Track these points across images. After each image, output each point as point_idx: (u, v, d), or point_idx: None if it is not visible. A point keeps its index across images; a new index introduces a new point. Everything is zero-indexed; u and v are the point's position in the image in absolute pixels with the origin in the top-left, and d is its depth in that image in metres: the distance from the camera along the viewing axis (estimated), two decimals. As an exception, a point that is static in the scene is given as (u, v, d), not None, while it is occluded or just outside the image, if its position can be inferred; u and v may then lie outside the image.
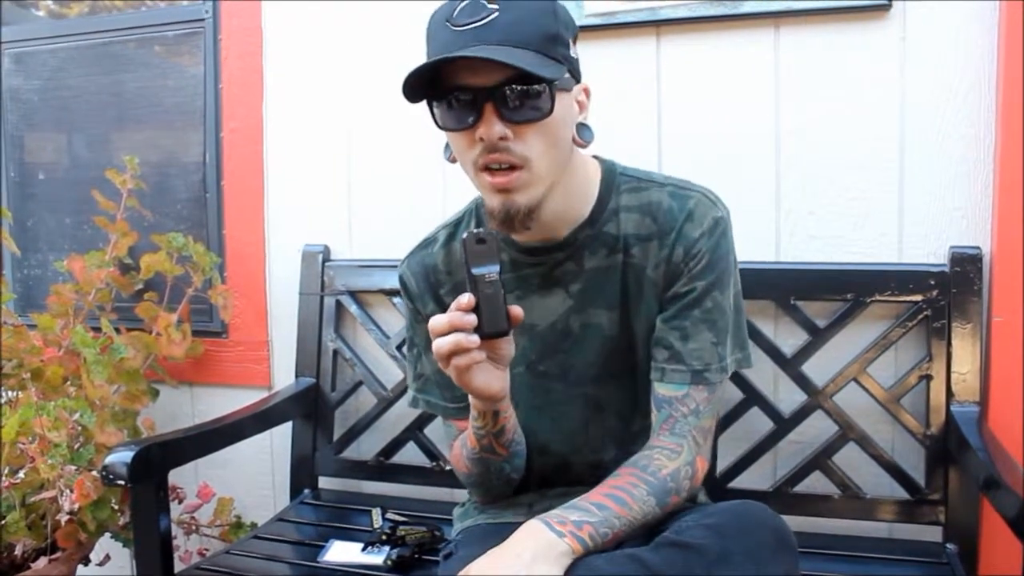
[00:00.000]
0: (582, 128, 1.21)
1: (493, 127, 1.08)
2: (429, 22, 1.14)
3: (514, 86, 1.07)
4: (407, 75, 1.08)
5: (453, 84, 1.09)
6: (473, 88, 1.08)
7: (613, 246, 1.25)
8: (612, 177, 1.28)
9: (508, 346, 1.12)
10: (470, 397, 1.18)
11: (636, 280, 1.25)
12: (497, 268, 1.05)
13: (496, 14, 1.06)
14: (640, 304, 1.25)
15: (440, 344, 1.05)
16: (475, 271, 1.04)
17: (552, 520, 1.05)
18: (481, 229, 1.08)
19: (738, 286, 1.27)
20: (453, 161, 1.22)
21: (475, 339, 1.04)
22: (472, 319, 1.04)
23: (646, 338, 1.26)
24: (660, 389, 1.23)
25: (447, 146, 1.22)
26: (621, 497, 1.11)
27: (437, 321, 1.06)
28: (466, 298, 1.04)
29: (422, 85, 1.10)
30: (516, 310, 1.08)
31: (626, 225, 1.25)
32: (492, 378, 1.12)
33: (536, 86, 1.08)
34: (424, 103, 1.14)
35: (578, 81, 1.19)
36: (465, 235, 1.06)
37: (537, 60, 1.07)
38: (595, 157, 1.31)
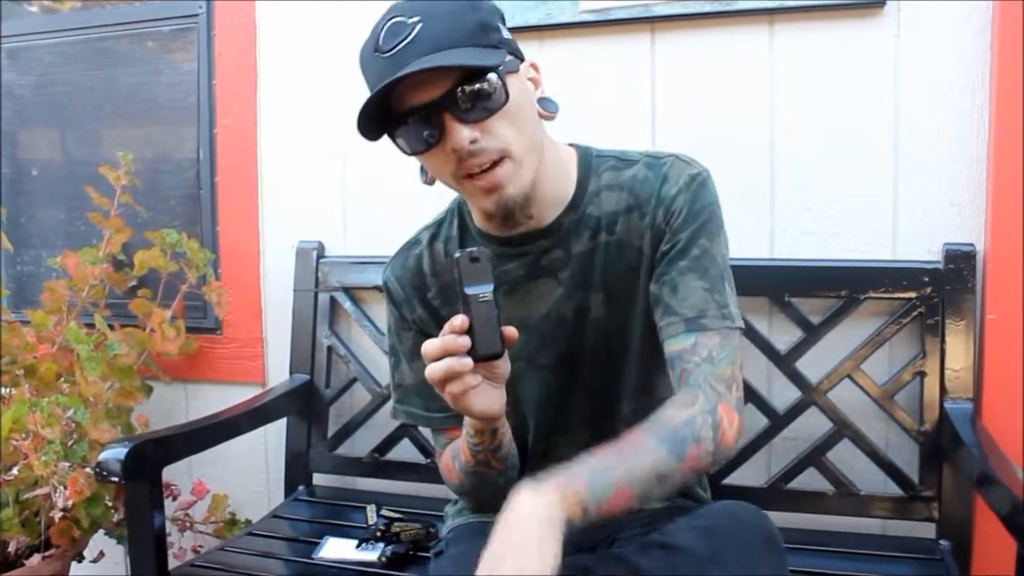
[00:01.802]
0: (544, 102, 1.19)
1: (460, 135, 1.06)
2: (360, 60, 1.12)
3: (464, 87, 1.05)
4: (357, 117, 1.06)
5: (404, 108, 1.07)
6: (425, 105, 1.06)
7: (596, 227, 1.23)
8: (589, 160, 1.27)
9: (504, 364, 1.09)
10: (466, 417, 1.16)
11: (622, 257, 1.23)
12: (491, 287, 1.02)
13: (420, 26, 1.04)
14: (630, 281, 1.23)
15: (434, 369, 1.02)
16: (468, 291, 1.01)
17: (540, 483, 0.94)
18: (474, 248, 1.04)
19: (727, 248, 1.22)
20: (431, 183, 1.20)
21: (468, 362, 1.01)
22: (465, 341, 1.01)
23: (640, 315, 1.24)
24: (668, 346, 1.17)
25: (422, 170, 1.20)
26: (621, 448, 1.01)
27: (429, 346, 1.03)
28: (459, 320, 1.01)
29: (376, 121, 1.09)
30: (510, 331, 1.05)
31: (607, 204, 1.23)
32: (490, 399, 1.09)
33: (486, 79, 1.06)
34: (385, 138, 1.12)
35: (522, 60, 1.16)
36: (458, 254, 1.03)
37: (476, 53, 1.06)
38: (570, 144, 1.30)
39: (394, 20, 1.06)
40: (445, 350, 1.01)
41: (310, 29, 2.11)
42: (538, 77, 1.20)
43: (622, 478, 0.97)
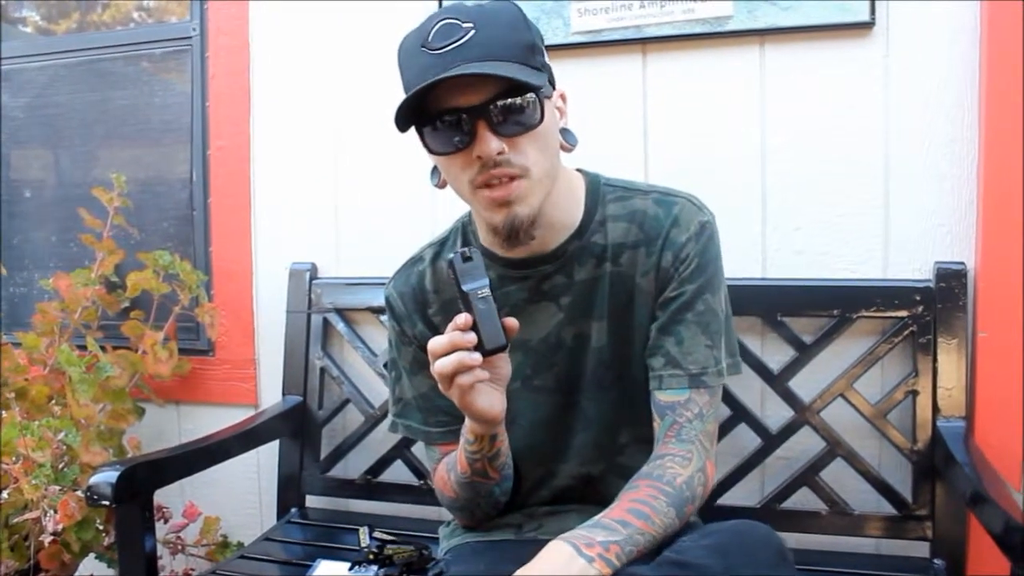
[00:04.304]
0: (565, 133, 1.22)
1: (490, 144, 1.08)
2: (400, 51, 1.13)
3: (503, 100, 1.07)
4: (399, 105, 1.07)
5: (440, 108, 1.09)
6: (462, 108, 1.08)
7: (600, 256, 1.25)
8: (597, 188, 1.28)
9: (506, 365, 1.12)
10: (467, 421, 1.17)
11: (624, 289, 1.25)
12: (487, 283, 1.05)
13: (473, 32, 1.06)
14: (631, 313, 1.25)
15: (443, 364, 1.04)
16: (467, 288, 1.05)
17: (580, 543, 1.00)
18: (466, 248, 1.08)
19: (726, 292, 1.27)
20: (442, 187, 1.21)
21: (477, 357, 1.04)
22: (472, 337, 1.04)
23: (640, 348, 1.25)
24: (661, 396, 1.21)
25: (434, 172, 1.22)
26: (643, 512, 1.07)
27: (437, 342, 1.05)
28: (463, 317, 1.04)
29: (409, 113, 1.10)
30: (511, 321, 1.08)
31: (613, 234, 1.25)
32: (494, 400, 1.11)
33: (525, 96, 1.09)
34: (412, 131, 1.13)
35: (554, 88, 1.19)
36: (451, 255, 1.06)
37: (523, 70, 1.07)
38: (578, 170, 1.31)
39: (448, 21, 1.08)
40: (453, 345, 1.04)
41: (303, 51, 2.12)
42: (564, 108, 1.22)
43: (642, 543, 1.05)
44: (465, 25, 1.07)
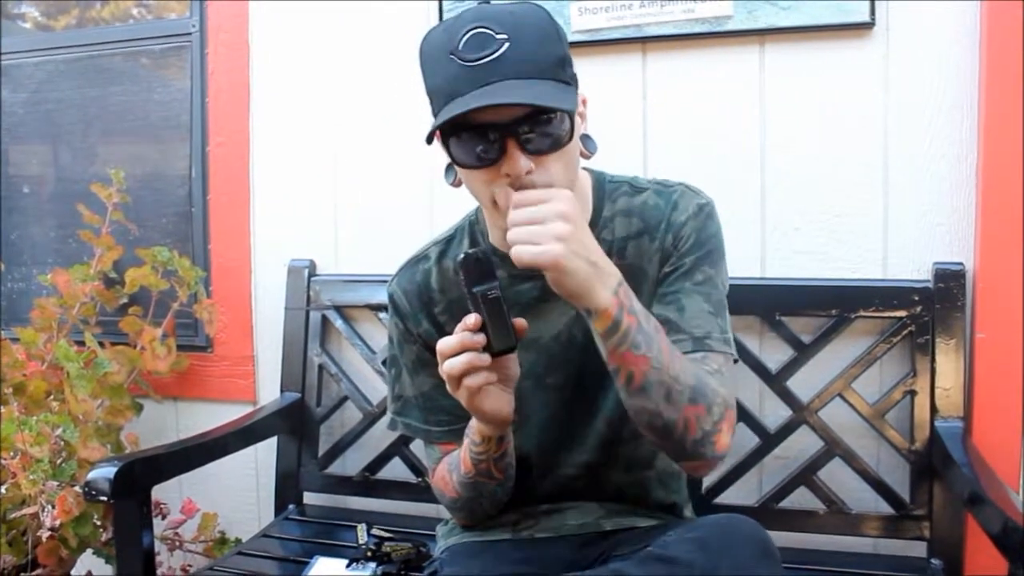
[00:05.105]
0: (586, 140, 1.18)
1: (519, 163, 1.05)
2: (425, 50, 1.10)
3: (535, 119, 1.04)
4: (439, 123, 1.04)
5: (471, 122, 1.05)
6: (493, 125, 1.04)
7: (608, 252, 1.23)
8: (603, 186, 1.28)
9: (514, 366, 1.10)
10: (474, 423, 1.16)
11: (633, 281, 1.21)
12: (496, 284, 1.04)
13: (507, 45, 1.02)
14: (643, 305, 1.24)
15: (452, 365, 1.03)
16: (476, 289, 1.03)
17: (621, 290, 1.04)
18: (475, 249, 1.07)
19: (727, 275, 1.25)
20: (457, 186, 1.19)
21: (486, 358, 1.03)
22: (481, 338, 1.03)
23: None
24: None
25: (448, 170, 1.18)
26: (672, 349, 1.08)
27: (446, 343, 1.04)
28: (472, 318, 1.03)
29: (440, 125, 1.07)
30: (520, 322, 1.06)
31: (619, 229, 1.25)
32: (502, 401, 1.10)
33: (556, 117, 1.06)
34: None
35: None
36: (460, 256, 1.05)
37: (556, 90, 1.05)
38: (584, 168, 1.30)
39: (480, 31, 1.04)
40: (463, 346, 1.03)
41: (303, 48, 2.12)
42: (585, 112, 1.20)
43: (655, 358, 1.04)
44: (499, 37, 1.03)
